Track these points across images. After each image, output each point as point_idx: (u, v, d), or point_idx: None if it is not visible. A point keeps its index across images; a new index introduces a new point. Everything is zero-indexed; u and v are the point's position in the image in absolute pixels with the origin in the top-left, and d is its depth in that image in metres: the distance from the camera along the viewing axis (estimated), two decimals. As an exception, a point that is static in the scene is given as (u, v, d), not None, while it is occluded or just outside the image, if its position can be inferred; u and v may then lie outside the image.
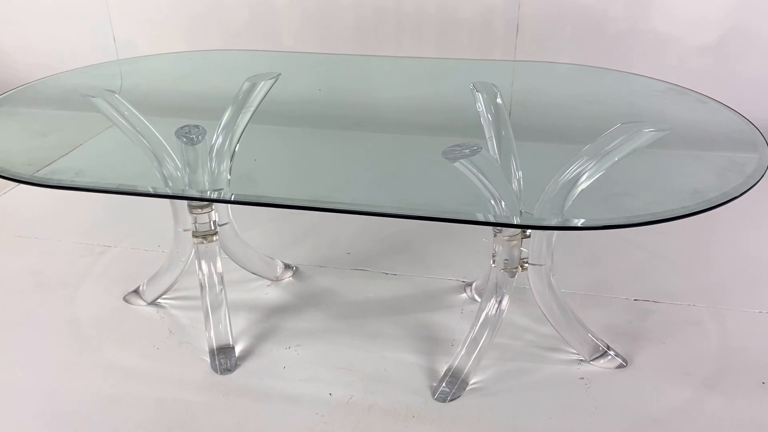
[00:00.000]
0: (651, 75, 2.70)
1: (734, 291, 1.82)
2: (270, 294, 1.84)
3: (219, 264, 1.62)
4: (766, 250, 2.03)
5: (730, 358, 1.58)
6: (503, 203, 1.29)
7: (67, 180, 1.31)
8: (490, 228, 1.46)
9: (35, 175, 1.36)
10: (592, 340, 1.56)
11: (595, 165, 1.30)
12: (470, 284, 1.84)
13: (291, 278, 1.91)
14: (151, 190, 1.44)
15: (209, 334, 1.60)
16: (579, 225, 1.17)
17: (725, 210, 2.15)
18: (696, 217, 2.12)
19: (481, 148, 1.23)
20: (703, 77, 2.71)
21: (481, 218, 1.22)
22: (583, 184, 1.30)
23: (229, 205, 1.72)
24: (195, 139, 1.41)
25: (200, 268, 1.60)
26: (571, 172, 1.33)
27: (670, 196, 1.16)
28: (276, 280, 1.90)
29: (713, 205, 1.09)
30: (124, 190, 1.36)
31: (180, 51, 3.06)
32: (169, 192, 1.48)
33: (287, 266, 1.94)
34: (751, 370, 1.53)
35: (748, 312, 1.73)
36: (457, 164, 1.21)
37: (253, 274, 1.87)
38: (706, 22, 2.64)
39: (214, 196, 1.50)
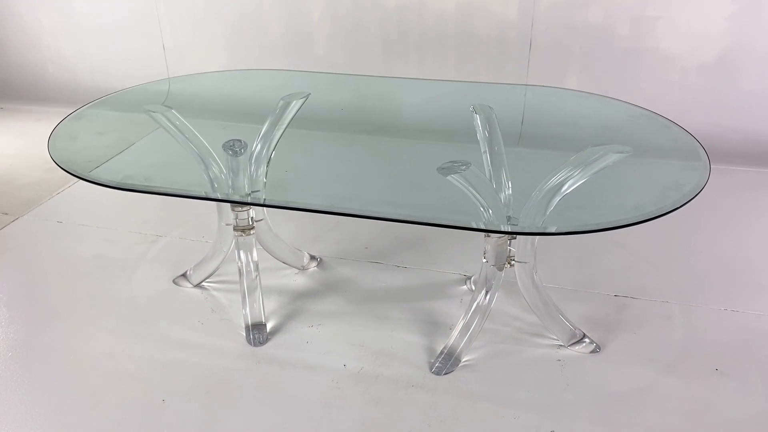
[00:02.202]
0: (654, 89, 2.93)
1: (705, 290, 2.05)
2: (297, 281, 2.13)
3: (255, 254, 1.91)
4: (737, 253, 2.25)
5: (691, 347, 1.82)
6: (491, 211, 1.56)
7: (139, 184, 1.61)
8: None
9: (106, 177, 1.66)
10: (570, 328, 1.82)
11: (568, 180, 1.55)
12: (470, 278, 2.11)
13: (316, 268, 2.19)
14: (203, 194, 1.74)
15: (245, 312, 1.89)
16: (545, 232, 1.42)
17: (705, 215, 2.40)
18: (677, 222, 2.38)
19: (470, 164, 1.50)
20: (702, 92, 2.92)
21: (462, 225, 1.47)
22: (559, 196, 1.55)
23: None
24: (238, 152, 1.70)
25: (239, 257, 1.89)
26: (550, 184, 1.58)
27: (614, 210, 1.40)
28: (303, 269, 2.19)
29: (648, 218, 1.33)
30: (183, 194, 1.65)
31: (222, 62, 3.38)
32: (217, 196, 1.77)
33: (313, 257, 2.22)
34: (708, 358, 1.77)
35: (714, 309, 1.96)
36: (449, 178, 1.48)
37: (284, 263, 2.16)
38: (705, 41, 2.84)
39: (252, 198, 1.79)
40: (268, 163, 1.88)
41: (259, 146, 1.88)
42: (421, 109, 2.36)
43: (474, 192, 1.52)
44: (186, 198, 1.67)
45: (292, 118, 1.91)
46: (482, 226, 1.57)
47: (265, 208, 2.02)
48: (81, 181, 2.70)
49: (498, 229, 1.50)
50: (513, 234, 1.65)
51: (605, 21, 2.91)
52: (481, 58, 3.12)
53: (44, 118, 3.52)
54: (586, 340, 1.82)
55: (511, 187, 1.69)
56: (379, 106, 2.36)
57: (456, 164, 1.50)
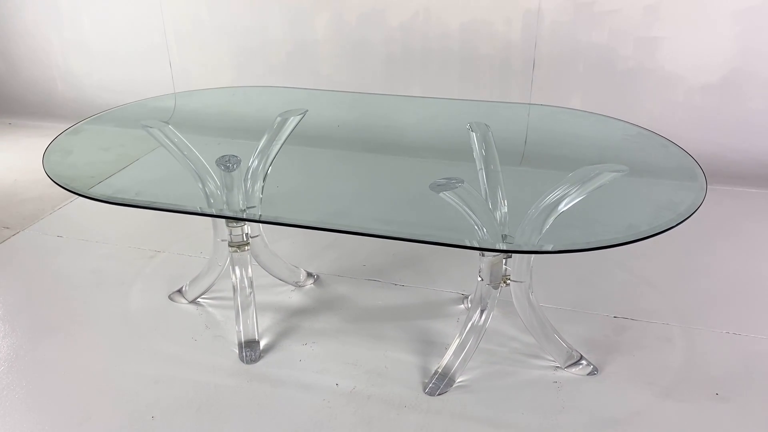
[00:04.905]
0: (658, 109, 2.92)
1: (707, 312, 2.01)
2: (293, 298, 2.11)
3: (250, 270, 1.90)
4: (740, 275, 2.21)
5: (691, 371, 1.78)
6: (485, 229, 1.54)
7: (129, 198, 1.61)
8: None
9: (101, 192, 1.67)
10: (567, 349, 1.78)
11: (564, 199, 1.54)
12: (467, 297, 2.08)
13: (312, 285, 2.18)
14: (198, 209, 1.73)
15: (239, 329, 1.87)
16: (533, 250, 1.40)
17: (707, 236, 2.37)
18: (679, 243, 2.35)
19: (463, 181, 1.48)
20: (706, 112, 2.90)
21: (455, 243, 1.45)
22: (555, 214, 1.53)
23: (260, 220, 2.00)
24: (231, 168, 1.69)
25: (234, 272, 1.88)
26: (546, 202, 1.57)
27: (606, 229, 1.38)
28: (299, 286, 2.17)
29: (641, 237, 1.30)
30: (173, 209, 1.65)
31: (228, 80, 3.40)
32: (211, 211, 1.76)
33: (309, 274, 2.21)
34: (709, 382, 1.73)
35: (715, 331, 1.92)
36: (441, 195, 1.47)
37: (280, 280, 2.15)
38: (710, 62, 2.83)
39: (245, 214, 1.79)
40: (265, 178, 1.88)
41: (255, 162, 1.88)
42: (423, 127, 2.36)
43: (468, 210, 1.51)
44: (177, 213, 1.66)
45: (288, 135, 1.91)
46: (476, 245, 1.55)
47: (260, 224, 2.01)
48: (80, 198, 2.73)
49: (491, 247, 1.48)
50: (506, 252, 1.63)
51: (609, 41, 2.91)
52: (485, 78, 3.12)
53: (51, 134, 3.50)
54: (584, 362, 1.78)
55: (507, 206, 1.67)
56: (380, 123, 2.35)
57: (450, 181, 1.49)
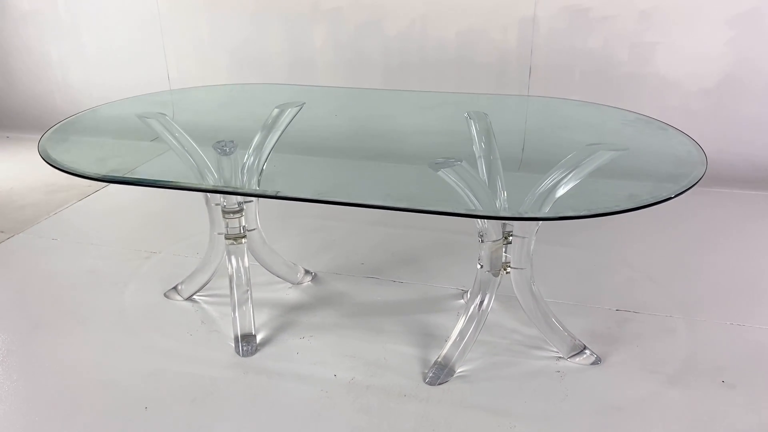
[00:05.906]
0: (654, 115, 2.92)
1: (710, 304, 1.98)
2: (290, 294, 2.08)
3: (246, 261, 1.87)
4: (739, 270, 2.20)
5: (696, 360, 1.74)
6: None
7: (121, 177, 1.60)
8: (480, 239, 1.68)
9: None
10: (570, 339, 1.75)
11: (565, 178, 1.52)
12: (467, 291, 2.05)
13: (310, 282, 2.15)
14: (195, 184, 1.71)
15: (235, 315, 1.83)
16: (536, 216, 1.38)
17: (707, 234, 2.36)
18: (679, 240, 2.32)
19: (462, 161, 1.47)
20: (702, 117, 2.90)
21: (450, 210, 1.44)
22: (558, 192, 1.52)
23: (257, 213, 1.98)
24: (227, 151, 1.68)
25: (230, 263, 1.85)
26: (546, 184, 1.55)
27: (608, 198, 1.37)
28: (297, 283, 2.14)
29: (641, 205, 1.29)
30: (170, 186, 1.62)
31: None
32: (209, 186, 1.73)
33: (307, 272, 2.18)
34: (714, 371, 1.70)
35: (719, 323, 1.90)
36: (440, 173, 1.45)
37: (278, 277, 2.12)
38: (705, 67, 2.84)
39: (244, 207, 1.77)
40: (261, 173, 1.86)
41: (251, 158, 1.87)
42: (421, 125, 2.35)
43: (467, 190, 1.49)
44: (173, 189, 1.63)
45: (286, 127, 1.90)
46: (476, 227, 1.53)
47: (258, 217, 1.99)
48: (79, 202, 2.71)
49: (493, 215, 1.46)
50: (508, 219, 1.61)
51: (604, 47, 2.93)
52: (482, 85, 3.13)
53: (48, 147, 3.53)
54: (587, 351, 1.75)
55: (506, 195, 1.65)
56: (377, 118, 2.34)
57: (448, 160, 1.48)
